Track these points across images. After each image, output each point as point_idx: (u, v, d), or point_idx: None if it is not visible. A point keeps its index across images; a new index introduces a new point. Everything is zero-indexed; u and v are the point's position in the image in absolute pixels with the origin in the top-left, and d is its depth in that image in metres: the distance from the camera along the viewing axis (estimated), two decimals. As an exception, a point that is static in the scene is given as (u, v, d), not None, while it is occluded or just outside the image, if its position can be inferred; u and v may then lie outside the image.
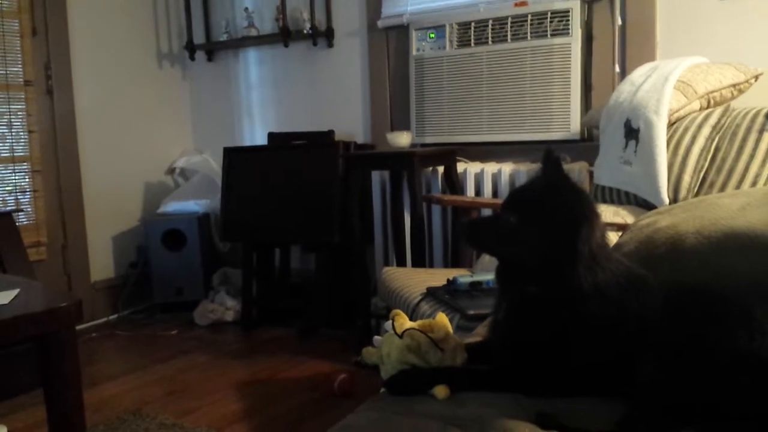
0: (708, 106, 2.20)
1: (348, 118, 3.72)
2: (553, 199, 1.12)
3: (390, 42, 3.50)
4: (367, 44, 3.59)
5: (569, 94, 2.83)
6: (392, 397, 1.15)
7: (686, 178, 2.03)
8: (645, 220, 1.54)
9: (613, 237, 1.77)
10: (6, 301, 1.63)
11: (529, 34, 2.92)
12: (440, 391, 1.12)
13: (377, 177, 3.36)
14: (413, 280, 2.24)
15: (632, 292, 1.13)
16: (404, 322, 1.24)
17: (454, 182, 3.06)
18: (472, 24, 3.07)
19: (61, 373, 1.62)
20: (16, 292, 1.71)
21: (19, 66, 3.58)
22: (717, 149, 2.02)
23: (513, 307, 1.18)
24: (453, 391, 1.13)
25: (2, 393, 1.66)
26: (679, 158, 2.06)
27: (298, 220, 3.48)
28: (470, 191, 3.03)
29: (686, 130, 2.10)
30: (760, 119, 1.97)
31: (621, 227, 1.82)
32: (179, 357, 3.24)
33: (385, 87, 3.54)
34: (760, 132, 1.94)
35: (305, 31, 3.69)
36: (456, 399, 1.10)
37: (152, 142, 4.23)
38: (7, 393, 1.67)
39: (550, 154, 1.17)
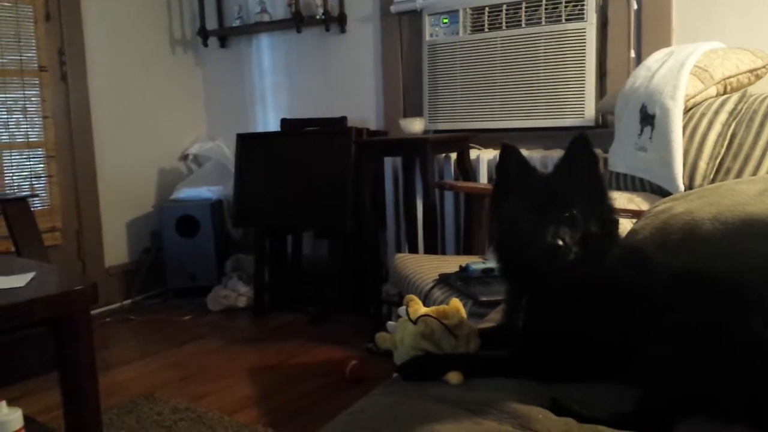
0: (724, 92, 2.17)
1: (361, 105, 3.71)
2: (592, 182, 1.12)
3: (403, 27, 3.48)
4: (380, 30, 3.57)
5: (584, 80, 2.81)
6: (405, 382, 1.15)
7: (702, 164, 2.01)
8: (660, 206, 1.52)
9: (627, 224, 1.76)
10: (22, 284, 1.64)
11: (543, 18, 2.89)
12: (453, 377, 1.12)
13: (390, 163, 3.36)
14: (425, 267, 2.23)
15: (639, 271, 1.14)
16: (418, 307, 1.23)
17: (466, 169, 3.05)
18: (486, 9, 3.04)
19: (76, 356, 1.63)
20: (31, 275, 1.72)
21: (33, 51, 3.60)
22: (733, 135, 1.99)
23: (533, 295, 1.17)
24: (466, 377, 1.12)
25: (18, 376, 1.68)
26: (695, 144, 2.04)
27: (311, 207, 3.48)
28: (483, 178, 3.02)
29: (702, 116, 2.08)
30: (778, 105, 1.95)
31: (636, 214, 1.81)
32: (192, 342, 3.27)
33: (398, 73, 3.53)
34: (778, 118, 1.92)
35: (318, 17, 3.67)
36: (469, 384, 1.10)
37: (165, 128, 4.24)
38: (23, 376, 1.68)
39: (580, 139, 1.13)
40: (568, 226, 1.07)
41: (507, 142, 1.21)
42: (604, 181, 1.15)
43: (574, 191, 1.10)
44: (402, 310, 1.23)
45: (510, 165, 1.19)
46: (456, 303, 1.27)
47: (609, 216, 1.14)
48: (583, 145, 1.12)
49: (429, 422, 0.97)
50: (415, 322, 1.18)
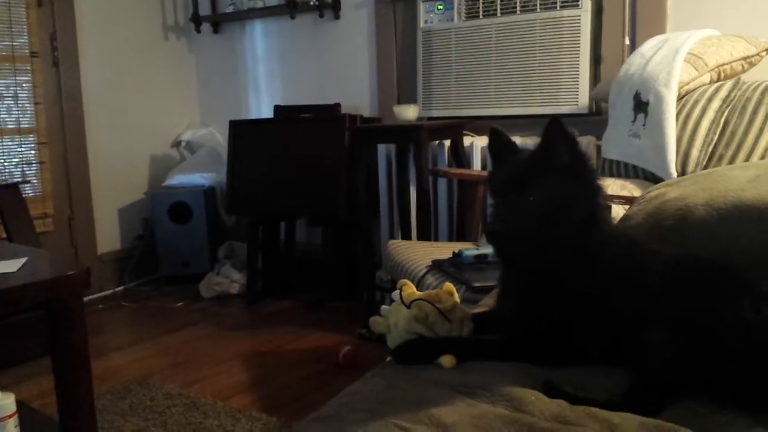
0: (718, 79, 2.18)
1: (355, 91, 3.69)
2: (573, 163, 1.12)
3: (397, 14, 3.46)
4: (374, 16, 3.56)
5: (578, 67, 2.81)
6: (399, 366, 1.15)
7: (695, 151, 2.02)
8: (653, 192, 1.53)
9: (620, 210, 1.77)
10: (14, 269, 1.64)
11: (538, 5, 2.88)
12: (447, 360, 1.13)
13: (383, 150, 3.35)
14: (418, 253, 2.24)
15: (632, 256, 1.15)
16: (412, 292, 1.24)
17: (460, 156, 3.05)
18: (481, -5, 3.04)
19: (69, 341, 1.63)
20: (23, 260, 1.72)
21: (25, 37, 3.57)
22: (726, 122, 2.00)
23: (522, 277, 1.18)
24: (460, 360, 1.13)
25: (11, 360, 1.68)
26: (688, 131, 2.04)
27: (304, 194, 3.48)
28: (477, 165, 3.01)
29: (696, 103, 2.08)
30: (771, 92, 1.95)
31: (628, 200, 1.81)
32: (185, 329, 3.27)
33: (392, 60, 3.52)
34: (771, 105, 1.93)
35: (312, 3, 3.65)
36: (463, 368, 1.11)
37: (158, 114, 4.21)
38: (16, 360, 1.68)
39: (554, 123, 1.12)
40: (519, 210, 1.10)
41: (495, 126, 1.22)
42: (588, 161, 1.15)
43: (539, 175, 1.11)
44: (396, 294, 1.24)
45: (496, 147, 1.21)
46: (449, 287, 1.27)
47: (595, 196, 1.15)
48: (557, 129, 1.11)
49: (423, 404, 0.97)
50: (408, 306, 1.19)
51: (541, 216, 1.10)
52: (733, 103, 2.02)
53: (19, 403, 1.72)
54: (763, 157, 1.89)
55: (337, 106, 3.61)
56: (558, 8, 2.84)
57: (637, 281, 1.11)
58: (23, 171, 3.61)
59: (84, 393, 1.68)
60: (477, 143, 3.02)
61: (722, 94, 2.06)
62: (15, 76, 3.55)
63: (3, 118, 3.52)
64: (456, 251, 2.04)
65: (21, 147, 3.61)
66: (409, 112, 3.11)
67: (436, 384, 1.04)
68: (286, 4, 3.70)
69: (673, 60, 2.10)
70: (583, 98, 2.82)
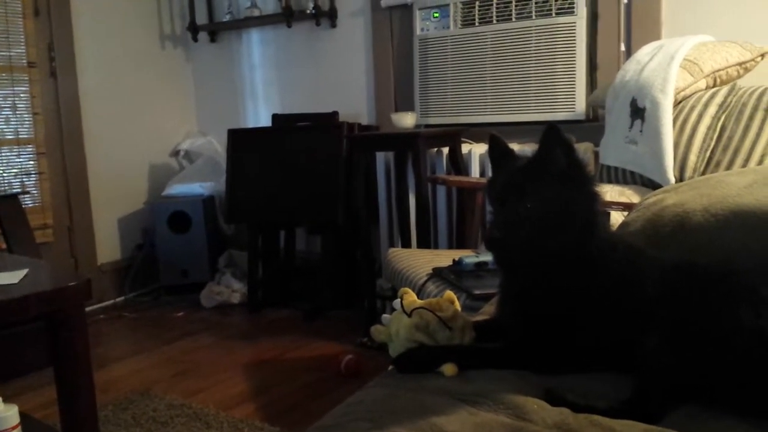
0: (714, 85, 2.18)
1: (352, 99, 3.71)
2: (570, 170, 1.12)
3: (394, 22, 3.48)
4: (370, 24, 3.57)
5: (574, 74, 2.82)
6: (400, 375, 1.16)
7: (692, 157, 2.02)
8: (651, 198, 1.53)
9: (618, 216, 1.78)
10: (15, 281, 1.64)
11: (533, 12, 2.90)
12: (448, 368, 1.13)
13: (382, 158, 3.35)
14: (419, 261, 2.24)
15: (630, 263, 1.15)
16: (413, 300, 1.24)
17: (458, 163, 3.06)
18: (477, 3, 3.05)
19: (70, 352, 1.63)
20: (24, 271, 1.72)
21: (23, 47, 3.57)
22: (723, 128, 2.01)
23: (521, 284, 1.18)
24: (461, 368, 1.13)
25: (13, 371, 1.68)
26: (685, 137, 2.05)
27: (303, 202, 3.49)
28: (475, 172, 3.02)
29: (692, 108, 2.09)
30: (767, 98, 1.96)
31: (626, 207, 1.82)
32: (186, 338, 3.27)
33: (389, 67, 3.53)
34: (767, 110, 1.93)
35: (308, 11, 3.67)
36: (464, 376, 1.11)
37: (156, 124, 4.22)
38: (18, 371, 1.68)
39: (551, 130, 1.12)
40: (517, 217, 1.11)
41: (494, 133, 1.23)
42: (585, 167, 1.15)
43: (537, 182, 1.11)
44: (397, 302, 1.24)
45: (495, 155, 1.22)
46: (450, 295, 1.28)
47: (593, 202, 1.15)
48: (554, 136, 1.12)
49: (425, 413, 0.98)
50: (409, 315, 1.19)
51: (539, 223, 1.11)
52: (730, 109, 2.03)
53: (22, 415, 1.72)
54: (759, 163, 1.90)
55: (335, 114, 3.62)
56: (553, 15, 2.85)
57: (636, 287, 1.12)
58: (22, 181, 3.62)
59: (86, 404, 1.69)
60: (475, 150, 3.03)
61: (718, 99, 2.06)
62: (13, 87, 3.56)
63: (1, 128, 3.53)
64: (456, 259, 2.05)
65: (20, 157, 3.61)
66: (407, 120, 3.12)
67: (438, 392, 1.05)
68: (283, 12, 3.71)
69: (669, 66, 2.11)
70: (579, 105, 2.83)
